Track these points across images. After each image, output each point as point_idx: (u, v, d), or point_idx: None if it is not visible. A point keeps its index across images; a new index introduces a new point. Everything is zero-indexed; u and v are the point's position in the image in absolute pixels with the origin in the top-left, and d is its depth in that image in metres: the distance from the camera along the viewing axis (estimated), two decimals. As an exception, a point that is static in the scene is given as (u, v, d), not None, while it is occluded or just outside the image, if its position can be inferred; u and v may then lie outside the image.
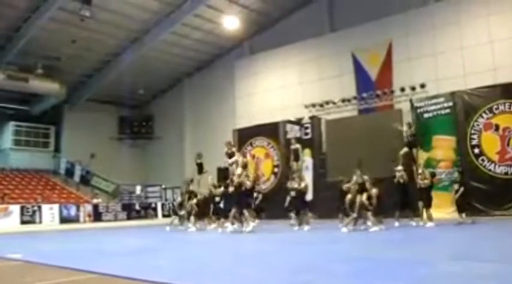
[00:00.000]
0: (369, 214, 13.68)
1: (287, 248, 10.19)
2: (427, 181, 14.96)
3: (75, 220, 24.91)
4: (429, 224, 14.29)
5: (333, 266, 6.75)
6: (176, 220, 18.40)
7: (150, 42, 26.72)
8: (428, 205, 14.76)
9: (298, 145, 19.38)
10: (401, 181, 15.20)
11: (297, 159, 18.76)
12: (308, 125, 23.18)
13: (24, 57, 25.75)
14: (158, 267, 7.31)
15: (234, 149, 17.96)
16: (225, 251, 10.26)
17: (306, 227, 14.88)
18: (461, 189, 14.96)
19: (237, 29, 25.97)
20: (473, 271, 5.92)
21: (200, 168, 19.63)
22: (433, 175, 15.71)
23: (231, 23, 25.43)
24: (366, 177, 14.20)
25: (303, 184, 15.82)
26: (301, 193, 15.71)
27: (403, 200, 15.05)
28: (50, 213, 24.02)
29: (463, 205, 14.91)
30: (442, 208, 15.91)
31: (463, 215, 14.80)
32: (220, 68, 30.08)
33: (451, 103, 19.05)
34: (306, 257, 8.12)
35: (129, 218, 27.27)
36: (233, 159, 16.37)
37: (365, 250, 9.13)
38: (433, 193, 15.96)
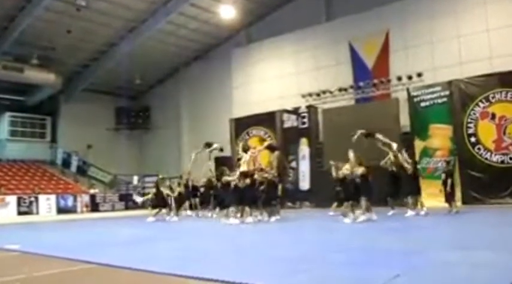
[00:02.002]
0: (362, 201, 13.31)
1: (282, 238, 10.23)
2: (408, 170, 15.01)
3: (73, 210, 24.94)
4: (409, 213, 14.38)
5: (328, 256, 6.79)
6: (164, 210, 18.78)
7: (146, 32, 26.55)
8: (411, 193, 14.79)
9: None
10: (394, 169, 15.25)
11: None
12: (305, 114, 23.20)
13: (19, 47, 25.59)
14: (155, 257, 7.34)
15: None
16: (221, 241, 10.29)
17: (273, 219, 14.79)
18: (449, 181, 14.97)
19: (233, 18, 25.88)
20: (468, 260, 5.95)
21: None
22: (414, 163, 15.76)
23: (228, 12, 25.35)
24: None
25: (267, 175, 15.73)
26: (272, 183, 15.56)
27: (394, 189, 15.14)
28: (47, 203, 24.05)
29: (451, 196, 14.95)
30: (438, 196, 15.95)
31: (452, 204, 14.87)
32: (217, 58, 29.96)
33: (447, 92, 19.07)
34: (302, 247, 8.15)
35: (126, 208, 27.32)
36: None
37: (360, 239, 9.17)
38: (428, 182, 16.12)
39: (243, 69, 27.57)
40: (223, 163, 27.03)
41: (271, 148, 16.97)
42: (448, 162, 16.64)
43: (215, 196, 18.47)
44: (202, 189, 20.13)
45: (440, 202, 15.50)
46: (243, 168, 14.71)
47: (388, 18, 22.04)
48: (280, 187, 15.90)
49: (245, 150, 15.56)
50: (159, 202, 18.34)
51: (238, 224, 13.83)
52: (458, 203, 17.78)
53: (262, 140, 17.21)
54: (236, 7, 25.17)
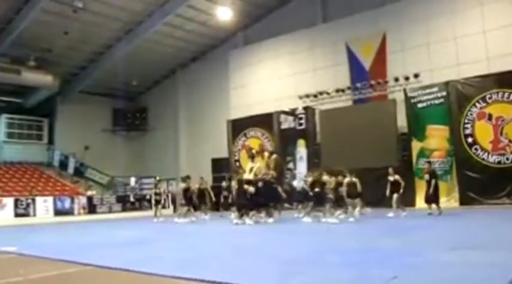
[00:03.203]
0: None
1: (280, 239, 10.22)
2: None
3: (70, 212, 24.83)
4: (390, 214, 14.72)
5: (326, 257, 6.78)
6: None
7: (143, 33, 26.48)
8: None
9: None
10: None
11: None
12: (302, 116, 23.25)
13: (16, 49, 25.50)
14: (154, 259, 7.32)
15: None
16: (219, 243, 10.28)
17: (271, 220, 14.83)
18: (433, 182, 14.94)
19: (230, 19, 25.87)
20: (466, 260, 5.96)
21: None
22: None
23: (225, 13, 25.33)
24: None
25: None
26: (270, 185, 15.53)
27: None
28: (44, 205, 23.90)
29: (434, 197, 14.91)
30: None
31: (433, 206, 14.84)
32: (215, 59, 29.95)
33: (444, 93, 19.13)
34: (300, 248, 8.15)
35: (123, 210, 27.23)
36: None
37: (357, 240, 9.16)
38: (424, 183, 16.25)
39: (240, 70, 27.57)
40: (220, 165, 27.22)
41: (270, 153, 17.04)
42: (429, 162, 16.59)
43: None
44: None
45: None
46: (248, 175, 14.78)
47: (385, 20, 22.08)
48: (280, 189, 15.98)
49: (252, 157, 15.71)
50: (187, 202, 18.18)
51: (253, 225, 13.84)
52: (455, 204, 17.92)
53: (261, 151, 17.39)
54: (233, 9, 25.15)
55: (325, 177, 14.37)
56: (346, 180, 14.61)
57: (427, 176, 15.36)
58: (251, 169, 14.82)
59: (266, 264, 6.34)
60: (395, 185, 15.17)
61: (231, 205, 17.75)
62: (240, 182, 14.86)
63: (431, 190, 14.86)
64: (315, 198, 14.21)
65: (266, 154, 16.82)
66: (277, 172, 16.15)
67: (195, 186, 18.78)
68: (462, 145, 18.51)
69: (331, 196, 14.23)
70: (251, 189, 14.32)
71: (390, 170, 15.48)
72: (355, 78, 22.67)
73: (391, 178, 15.27)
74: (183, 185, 18.38)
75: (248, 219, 14.27)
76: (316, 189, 14.14)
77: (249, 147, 23.83)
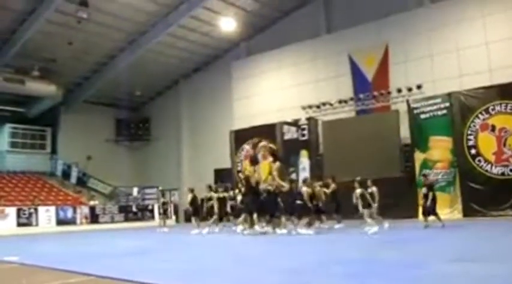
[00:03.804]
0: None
1: (283, 250, 10.19)
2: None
3: (72, 222, 24.83)
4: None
5: (329, 268, 6.76)
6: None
7: (146, 44, 26.65)
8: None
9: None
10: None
11: None
12: (305, 126, 23.19)
13: (20, 59, 25.68)
14: (155, 269, 7.30)
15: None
16: (223, 252, 10.25)
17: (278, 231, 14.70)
18: (431, 195, 14.75)
19: (233, 30, 26.04)
20: (469, 272, 5.93)
21: None
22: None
23: (228, 24, 25.49)
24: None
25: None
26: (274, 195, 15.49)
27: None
28: (46, 215, 23.93)
29: (431, 210, 14.72)
30: (438, 209, 15.88)
31: (429, 218, 14.66)
32: (217, 70, 30.07)
33: (447, 104, 19.10)
34: (302, 259, 8.12)
35: (126, 220, 27.21)
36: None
37: (359, 251, 9.12)
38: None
39: (243, 81, 27.65)
40: (223, 175, 27.17)
41: (274, 157, 16.76)
42: (425, 175, 16.41)
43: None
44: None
45: (441, 214, 15.42)
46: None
47: (388, 31, 22.17)
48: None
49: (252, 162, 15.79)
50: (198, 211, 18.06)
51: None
52: (459, 215, 17.83)
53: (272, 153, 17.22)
54: (237, 19, 25.31)
55: (304, 189, 14.32)
56: (359, 190, 14.42)
57: (424, 189, 15.18)
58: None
59: (268, 275, 6.32)
60: (371, 196, 14.88)
61: (236, 216, 17.70)
62: (247, 179, 14.98)
63: (428, 202, 14.72)
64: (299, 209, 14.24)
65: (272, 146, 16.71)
66: (281, 181, 16.06)
67: (206, 195, 18.61)
68: (465, 156, 18.45)
69: (310, 206, 14.13)
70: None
71: (369, 182, 15.18)
72: (358, 89, 22.71)
73: (369, 190, 14.98)
74: (215, 195, 18.05)
75: (258, 227, 14.40)
76: (298, 202, 14.16)
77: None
